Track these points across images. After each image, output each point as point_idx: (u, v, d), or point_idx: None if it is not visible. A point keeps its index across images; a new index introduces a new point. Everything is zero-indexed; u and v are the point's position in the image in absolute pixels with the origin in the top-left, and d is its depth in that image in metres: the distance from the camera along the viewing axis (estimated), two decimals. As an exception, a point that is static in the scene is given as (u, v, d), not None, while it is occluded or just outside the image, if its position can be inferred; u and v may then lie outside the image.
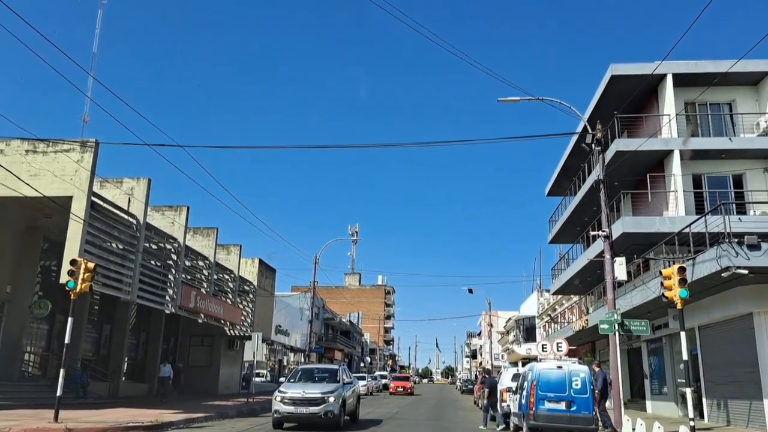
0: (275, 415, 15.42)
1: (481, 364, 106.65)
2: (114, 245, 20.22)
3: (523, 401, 13.97)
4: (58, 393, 14.00)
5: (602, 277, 28.21)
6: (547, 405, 13.33)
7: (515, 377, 17.75)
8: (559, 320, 44.03)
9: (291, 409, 15.17)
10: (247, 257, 34.50)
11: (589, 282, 31.44)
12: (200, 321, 26.59)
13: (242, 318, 32.45)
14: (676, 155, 22.53)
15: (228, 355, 34.23)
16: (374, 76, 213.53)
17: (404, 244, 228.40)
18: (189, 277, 26.82)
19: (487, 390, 19.16)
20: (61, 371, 14.35)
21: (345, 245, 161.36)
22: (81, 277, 14.49)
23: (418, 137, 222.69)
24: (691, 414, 13.00)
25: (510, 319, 64.53)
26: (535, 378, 13.61)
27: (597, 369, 18.51)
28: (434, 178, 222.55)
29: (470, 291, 54.53)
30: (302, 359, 49.42)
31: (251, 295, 33.73)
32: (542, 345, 25.55)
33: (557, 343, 25.67)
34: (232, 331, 32.66)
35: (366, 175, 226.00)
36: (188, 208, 24.64)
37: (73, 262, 14.74)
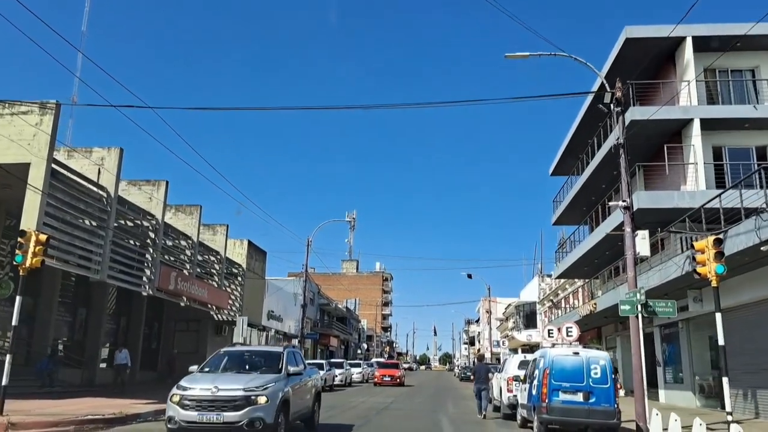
0: (169, 426, 9.78)
1: (479, 350, 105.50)
2: (82, 220, 18.42)
3: (534, 392, 12.26)
4: (4, 382, 12.26)
5: (612, 258, 26.65)
6: (562, 396, 11.64)
7: (522, 365, 16.06)
8: (562, 305, 42.40)
9: (193, 415, 9.56)
10: (236, 239, 32.75)
11: (596, 265, 29.77)
12: (182, 304, 24.88)
13: (230, 302, 30.75)
14: (696, 124, 20.72)
15: (215, 340, 32.51)
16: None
17: (403, 231, 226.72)
18: (173, 259, 25.08)
19: (472, 375, 17.93)
20: (7, 357, 12.62)
21: (342, 232, 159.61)
22: (31, 250, 12.71)
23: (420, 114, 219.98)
24: (728, 407, 11.29)
25: (510, 305, 62.99)
26: (549, 365, 11.90)
27: None
28: (434, 162, 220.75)
29: (469, 276, 52.96)
30: (302, 346, 47.84)
31: (240, 279, 32.01)
32: (548, 330, 23.89)
33: (567, 328, 23.90)
34: (219, 316, 30.98)
35: (364, 160, 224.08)
36: (167, 182, 22.82)
37: (21, 234, 12.95)
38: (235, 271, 31.92)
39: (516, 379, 14.58)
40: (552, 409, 11.59)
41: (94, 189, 18.80)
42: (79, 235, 17.71)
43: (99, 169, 19.29)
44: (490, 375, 18.44)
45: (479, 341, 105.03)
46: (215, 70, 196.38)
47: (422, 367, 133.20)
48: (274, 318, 44.11)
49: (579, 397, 11.56)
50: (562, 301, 42.23)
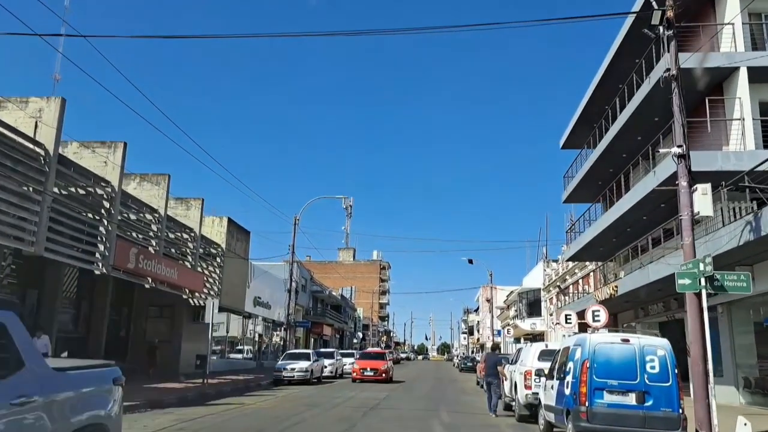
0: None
1: (478, 340, 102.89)
2: (13, 184, 15.33)
3: (567, 391, 9.27)
4: None
5: (635, 234, 23.67)
6: (608, 398, 8.66)
7: (544, 355, 13.06)
8: (570, 291, 39.45)
9: None
10: (214, 216, 29.66)
11: (614, 244, 26.79)
12: (147, 286, 21.85)
13: (207, 285, 27.73)
14: (743, 74, 17.62)
15: (192, 328, 29.58)
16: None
17: (401, 218, 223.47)
18: (136, 234, 22.01)
19: (484, 366, 15.25)
20: None
21: (339, 220, 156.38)
22: None
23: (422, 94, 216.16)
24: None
25: (512, 292, 60.07)
26: (589, 357, 8.90)
27: None
28: (432, 140, 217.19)
29: (470, 261, 50.04)
30: (284, 335, 44.82)
31: (219, 260, 28.96)
32: (565, 315, 20.92)
33: (593, 312, 21.06)
34: (195, 301, 27.96)
35: (362, 145, 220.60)
36: (125, 144, 19.71)
37: None
38: (214, 251, 28.87)
39: (539, 373, 11.55)
40: (594, 415, 8.61)
41: (28, 145, 15.68)
42: (6, 199, 14.63)
43: (36, 123, 16.17)
44: (499, 367, 15.51)
45: (478, 330, 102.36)
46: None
47: (420, 357, 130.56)
48: (262, 305, 41.11)
49: (631, 399, 8.59)
50: (570, 287, 39.27)
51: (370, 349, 34.37)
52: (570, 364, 9.42)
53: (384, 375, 28.09)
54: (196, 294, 27.34)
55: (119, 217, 19.64)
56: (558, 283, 41.63)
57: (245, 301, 32.73)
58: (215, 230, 29.28)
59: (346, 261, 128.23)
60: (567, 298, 39.88)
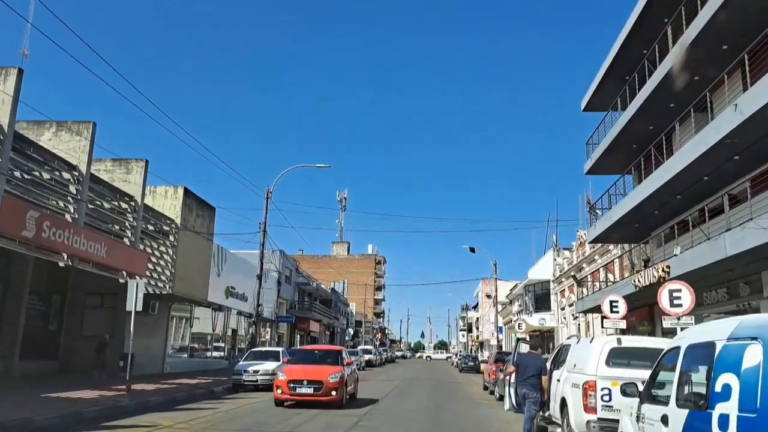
0: None
1: (477, 338, 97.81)
2: None
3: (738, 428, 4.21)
4: None
5: (683, 206, 18.76)
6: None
7: (619, 356, 8.03)
8: (588, 281, 34.48)
9: None
10: (167, 186, 24.63)
11: (654, 219, 21.94)
12: (62, 264, 16.79)
13: (155, 268, 22.73)
14: None
15: (141, 321, 24.56)
16: None
17: (398, 207, 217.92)
18: (52, 200, 16.98)
19: (518, 371, 10.26)
20: None
21: (333, 213, 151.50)
22: None
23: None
24: None
25: (516, 285, 55.12)
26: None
27: None
28: (430, 119, 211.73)
29: (472, 250, 45.06)
30: (257, 330, 39.77)
31: (172, 238, 23.92)
32: (611, 302, 16.02)
33: (611, 302, 16.18)
34: (145, 288, 22.89)
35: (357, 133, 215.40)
36: (19, 71, 14.64)
37: None
38: (167, 228, 23.82)
39: (625, 390, 6.45)
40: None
41: None
42: None
43: None
44: (544, 377, 10.49)
45: (477, 328, 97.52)
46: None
47: (417, 355, 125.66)
48: (237, 296, 36.06)
49: None
50: (589, 276, 34.29)
51: (311, 347, 23.45)
52: (726, 380, 4.42)
53: (332, 393, 15.14)
54: (135, 277, 22.28)
55: (10, 167, 14.57)
56: (573, 273, 36.67)
57: (209, 290, 27.68)
58: (168, 202, 24.23)
59: (340, 255, 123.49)
60: (584, 289, 34.96)
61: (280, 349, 22.42)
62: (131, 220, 20.74)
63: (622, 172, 25.13)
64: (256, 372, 19.88)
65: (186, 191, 24.73)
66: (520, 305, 56.66)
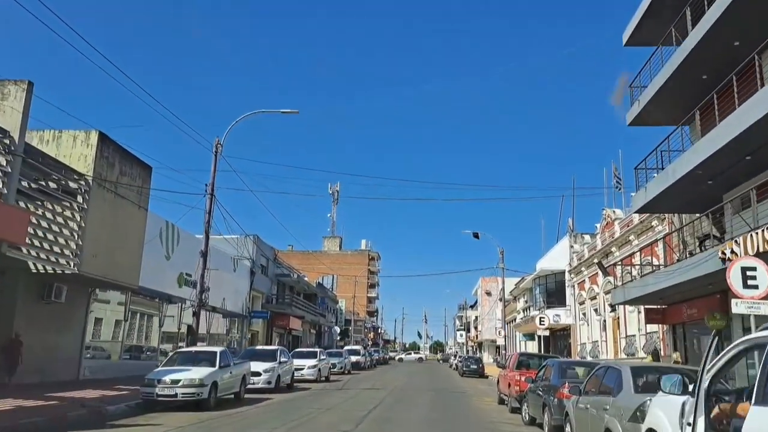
0: None
1: (477, 337, 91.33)
2: None
3: None
4: None
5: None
6: None
7: None
8: (617, 269, 28.40)
9: None
10: (78, 132, 18.47)
11: (723, 180, 15.96)
12: None
13: (59, 240, 16.59)
14: None
15: (43, 311, 18.44)
16: None
17: (392, 202, 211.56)
18: None
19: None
20: None
21: (325, 207, 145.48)
22: None
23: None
24: None
25: (522, 279, 49.05)
26: None
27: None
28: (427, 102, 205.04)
29: (476, 235, 39.01)
30: (197, 324, 33.69)
31: (81, 200, 17.74)
32: (744, 269, 9.92)
33: (744, 270, 10.07)
34: (42, 266, 16.81)
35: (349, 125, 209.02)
36: None
37: None
38: (73, 186, 17.62)
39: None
40: None
41: None
42: None
43: None
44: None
45: (476, 327, 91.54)
46: None
47: (412, 355, 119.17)
48: (195, 285, 29.89)
49: None
50: (619, 263, 28.21)
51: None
52: None
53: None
54: (36, 253, 16.14)
55: None
56: (597, 259, 30.59)
57: (145, 273, 21.47)
58: (77, 152, 18.06)
59: (331, 251, 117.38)
60: (612, 279, 28.86)
61: (217, 349, 16.22)
62: (4, 164, 14.53)
63: (678, 123, 19.15)
64: (175, 383, 13.68)
65: (102, 137, 18.50)
66: (526, 301, 50.63)
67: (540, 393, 12.61)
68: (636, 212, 21.34)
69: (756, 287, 8.86)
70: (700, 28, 15.80)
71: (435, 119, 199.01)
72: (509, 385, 16.65)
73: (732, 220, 14.55)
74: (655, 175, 19.44)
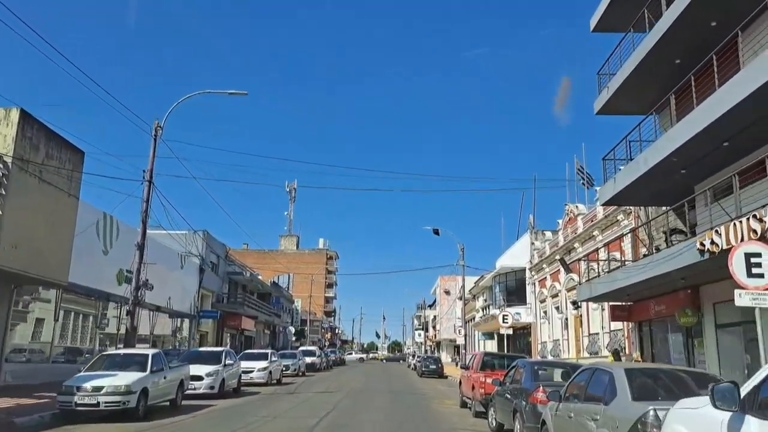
0: None
1: (435, 337, 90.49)
2: None
3: None
4: None
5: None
6: None
7: None
8: (581, 266, 27.73)
9: None
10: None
11: (707, 162, 15.12)
12: None
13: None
14: None
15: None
16: None
17: (351, 200, 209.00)
18: None
19: None
20: None
21: (282, 205, 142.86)
22: None
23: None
24: None
25: (482, 277, 48.29)
26: None
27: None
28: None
29: (436, 232, 37.91)
30: (132, 323, 31.75)
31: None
32: (748, 255, 8.82)
33: (748, 257, 9.01)
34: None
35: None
36: None
37: None
38: (-13, 167, 15.58)
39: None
40: None
41: None
42: None
43: None
44: None
45: (434, 327, 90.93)
46: None
47: (371, 357, 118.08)
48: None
49: None
50: (581, 260, 27.50)
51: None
52: None
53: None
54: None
55: None
56: (560, 256, 29.86)
57: (70, 268, 19.39)
58: (-7, 129, 16.00)
59: (288, 250, 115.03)
60: (575, 275, 28.17)
61: (149, 352, 14.47)
62: None
63: (646, 112, 18.41)
64: (97, 390, 11.94)
65: (25, 115, 16.50)
66: (486, 300, 49.94)
67: (509, 397, 11.43)
68: (603, 204, 20.49)
69: (762, 276, 7.85)
70: (675, 7, 14.97)
71: (407, 113, 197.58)
72: (473, 387, 15.46)
73: (711, 209, 13.68)
74: (621, 168, 18.66)
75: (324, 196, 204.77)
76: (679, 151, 14.81)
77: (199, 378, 17.92)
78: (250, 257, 78.76)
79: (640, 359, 21.17)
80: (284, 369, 31.45)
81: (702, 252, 12.98)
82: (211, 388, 18.17)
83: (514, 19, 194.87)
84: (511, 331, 29.75)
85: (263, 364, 25.01)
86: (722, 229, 12.08)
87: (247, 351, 27.85)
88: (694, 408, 4.58)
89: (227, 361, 19.72)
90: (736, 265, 8.03)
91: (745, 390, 3.82)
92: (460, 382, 18.41)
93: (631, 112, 19.93)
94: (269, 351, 27.20)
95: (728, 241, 11.88)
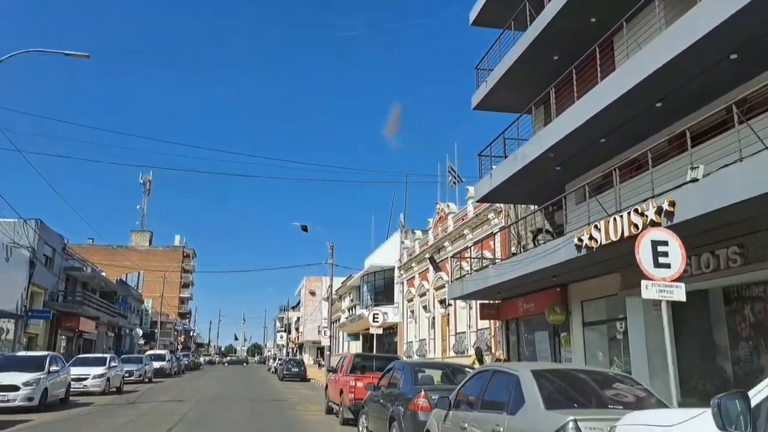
0: None
1: (297, 339, 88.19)
2: None
3: None
4: None
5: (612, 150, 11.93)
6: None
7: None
8: (450, 264, 27.58)
9: None
10: None
11: (580, 160, 15.09)
12: None
13: None
14: None
15: None
16: None
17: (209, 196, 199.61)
18: None
19: None
20: None
21: (135, 198, 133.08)
22: None
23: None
24: None
25: (350, 277, 47.36)
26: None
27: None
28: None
29: (305, 228, 36.13)
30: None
31: None
32: (655, 243, 8.06)
33: (655, 244, 8.39)
34: None
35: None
36: None
37: None
38: None
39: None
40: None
41: None
42: None
43: None
44: None
45: (297, 329, 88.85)
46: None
47: (226, 360, 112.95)
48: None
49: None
50: (449, 258, 27.32)
51: None
52: None
53: None
54: None
55: None
56: (430, 254, 29.59)
57: None
58: None
59: (140, 246, 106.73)
60: (444, 274, 27.98)
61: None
62: None
63: (523, 110, 18.31)
64: None
65: None
66: (352, 300, 49.07)
67: (384, 403, 10.18)
68: (478, 201, 20.14)
69: (668, 266, 7.25)
70: (554, 3, 14.76)
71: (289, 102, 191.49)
72: (341, 392, 14.09)
73: (588, 205, 13.46)
74: (495, 165, 18.38)
75: (182, 186, 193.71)
76: (558, 146, 14.59)
77: (14, 388, 14.88)
78: (96, 253, 71.71)
79: (502, 358, 21.13)
80: (127, 375, 28.16)
81: (579, 248, 12.72)
82: (30, 399, 15.14)
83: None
84: (381, 331, 28.92)
85: (100, 370, 21.83)
86: (602, 224, 11.80)
87: (81, 356, 24.30)
88: (664, 427, 3.50)
89: (52, 368, 16.64)
90: (643, 254, 7.40)
91: (755, 401, 2.76)
92: (326, 387, 16.95)
93: (509, 109, 19.78)
94: (108, 355, 23.90)
95: (608, 236, 11.64)
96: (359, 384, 12.87)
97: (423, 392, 8.55)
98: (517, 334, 20.48)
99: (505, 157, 18.28)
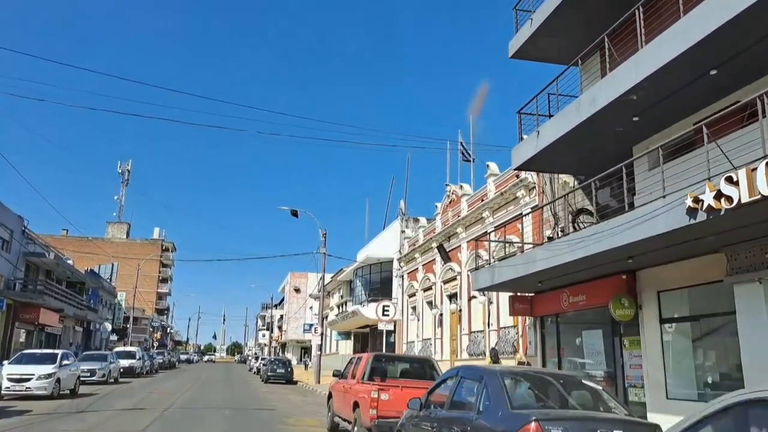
0: None
1: (280, 338, 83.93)
2: None
3: None
4: None
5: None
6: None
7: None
8: (463, 253, 24.14)
9: None
10: None
11: (672, 104, 11.66)
12: None
13: None
14: None
15: None
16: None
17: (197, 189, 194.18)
18: None
19: None
20: None
21: (113, 187, 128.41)
22: None
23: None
24: None
25: (341, 271, 43.65)
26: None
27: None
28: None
29: (294, 213, 32.31)
30: None
31: None
32: None
33: None
34: None
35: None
36: None
37: None
38: None
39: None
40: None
41: None
42: None
43: None
44: None
45: (281, 328, 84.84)
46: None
47: (205, 359, 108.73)
48: None
49: None
50: (464, 245, 23.82)
51: None
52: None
53: None
54: None
55: None
56: (438, 242, 26.04)
57: None
58: None
59: (117, 238, 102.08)
60: (455, 265, 24.47)
61: None
62: None
63: (571, 60, 14.76)
64: None
65: None
66: (342, 296, 45.37)
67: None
68: (518, 168, 16.47)
69: None
70: None
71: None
72: (355, 405, 10.42)
73: (664, 173, 10.00)
74: (539, 127, 14.86)
75: (165, 172, 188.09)
76: (648, 83, 10.96)
77: None
78: (70, 245, 67.45)
79: (524, 361, 17.73)
80: (87, 375, 24.32)
81: (694, 212, 9.22)
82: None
83: None
84: (392, 326, 25.39)
85: (47, 369, 17.91)
86: (741, 174, 8.29)
87: (25, 352, 20.36)
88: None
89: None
90: None
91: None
92: (330, 396, 13.23)
93: (553, 59, 16.33)
94: (60, 351, 20.00)
95: (752, 191, 8.16)
96: (384, 396, 9.26)
97: (535, 422, 4.92)
98: (556, 333, 16.93)
99: (550, 116, 14.85)
